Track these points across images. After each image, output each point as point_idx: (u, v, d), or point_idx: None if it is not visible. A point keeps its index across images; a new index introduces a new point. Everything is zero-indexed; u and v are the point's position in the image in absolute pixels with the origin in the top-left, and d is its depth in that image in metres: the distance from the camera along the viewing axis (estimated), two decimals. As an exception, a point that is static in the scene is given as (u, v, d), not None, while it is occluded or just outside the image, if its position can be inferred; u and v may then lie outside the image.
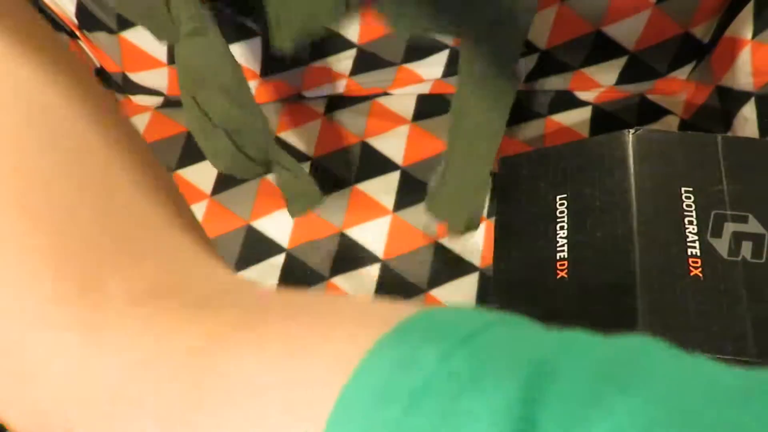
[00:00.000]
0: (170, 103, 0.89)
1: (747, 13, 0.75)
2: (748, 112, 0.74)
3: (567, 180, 0.66)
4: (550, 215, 0.64)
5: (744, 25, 0.75)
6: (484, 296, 0.76)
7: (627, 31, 0.81)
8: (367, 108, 0.90)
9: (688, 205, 0.55)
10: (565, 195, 0.64)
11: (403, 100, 0.91)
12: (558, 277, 0.60)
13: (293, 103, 0.90)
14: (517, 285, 0.66)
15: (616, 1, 0.76)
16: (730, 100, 0.77)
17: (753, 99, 0.73)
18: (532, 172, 0.71)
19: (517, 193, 0.71)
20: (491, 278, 0.69)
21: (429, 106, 0.89)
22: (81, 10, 0.73)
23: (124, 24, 0.74)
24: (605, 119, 0.88)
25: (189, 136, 0.86)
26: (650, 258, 0.53)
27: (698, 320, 0.50)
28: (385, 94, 0.91)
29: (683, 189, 0.56)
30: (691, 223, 0.55)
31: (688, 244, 0.54)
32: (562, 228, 0.62)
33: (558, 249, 0.61)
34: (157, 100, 0.88)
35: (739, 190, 0.56)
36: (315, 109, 0.90)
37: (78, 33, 0.76)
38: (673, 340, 0.45)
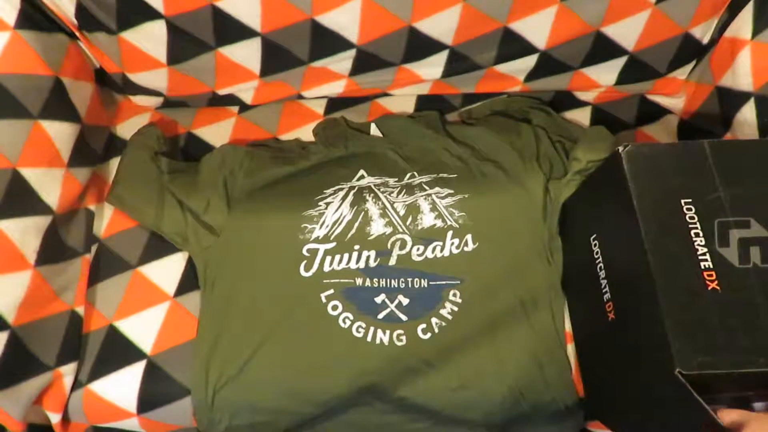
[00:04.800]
0: (170, 104, 0.89)
1: (747, 14, 0.75)
2: (748, 112, 0.74)
3: (591, 220, 0.68)
4: (591, 259, 0.65)
5: (743, 26, 0.75)
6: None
7: (627, 31, 0.81)
8: (366, 108, 0.90)
9: (690, 217, 0.55)
10: (594, 235, 0.65)
11: (402, 100, 0.91)
12: (610, 320, 0.61)
13: (293, 103, 0.91)
14: (586, 334, 0.69)
15: (616, 1, 0.76)
16: (729, 100, 0.77)
17: (752, 99, 0.73)
18: (570, 221, 0.73)
19: (568, 245, 0.73)
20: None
21: (429, 107, 0.89)
22: (81, 11, 0.73)
23: (124, 24, 0.74)
24: (605, 119, 0.88)
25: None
26: (667, 279, 0.52)
27: (726, 338, 0.50)
28: (385, 94, 0.91)
29: (683, 201, 0.56)
30: (697, 235, 0.54)
31: (699, 257, 0.53)
32: (600, 269, 0.63)
33: (603, 291, 0.62)
34: (157, 101, 0.88)
35: (736, 195, 0.56)
36: (315, 109, 0.90)
37: (78, 33, 0.76)
38: (705, 361, 0.45)
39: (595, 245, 0.65)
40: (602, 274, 0.63)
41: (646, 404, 0.57)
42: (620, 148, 0.58)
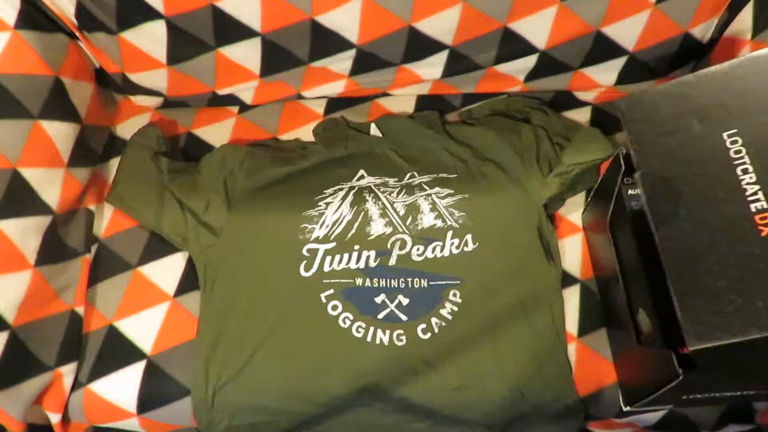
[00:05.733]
0: (170, 104, 0.89)
1: (747, 14, 0.75)
2: (748, 112, 0.74)
3: (729, 114, 0.54)
4: (722, 159, 0.52)
5: (743, 25, 0.75)
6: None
7: (627, 31, 0.81)
8: (366, 108, 0.90)
9: (736, 151, 0.50)
10: (735, 130, 0.52)
11: (402, 100, 0.91)
12: (763, 234, 0.48)
13: (293, 103, 0.91)
14: (704, 253, 0.51)
15: (616, 1, 0.76)
16: (729, 100, 0.77)
17: (753, 99, 0.73)
18: (674, 109, 0.57)
19: (660, 139, 0.57)
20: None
21: (429, 107, 0.89)
22: (81, 11, 0.73)
23: (124, 24, 0.74)
24: (605, 119, 0.88)
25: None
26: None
27: None
28: (385, 94, 0.91)
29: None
30: (745, 171, 0.49)
31: (748, 198, 0.48)
32: (745, 172, 0.51)
33: (749, 200, 0.50)
34: (157, 101, 0.88)
35: None
36: (315, 109, 0.90)
37: (78, 33, 0.76)
38: None
39: (733, 143, 0.52)
40: (748, 177, 0.51)
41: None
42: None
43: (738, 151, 0.52)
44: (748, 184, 0.50)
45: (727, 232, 0.50)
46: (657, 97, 0.58)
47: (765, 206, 0.49)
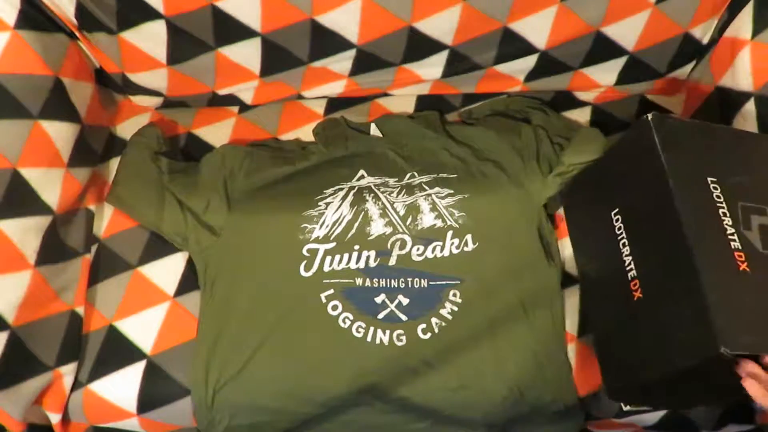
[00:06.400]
0: (170, 104, 0.89)
1: (747, 14, 0.75)
2: (748, 112, 0.74)
3: (612, 195, 0.65)
4: (612, 236, 0.63)
5: (743, 25, 0.75)
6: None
7: (627, 31, 0.81)
8: (366, 108, 0.90)
9: (717, 196, 0.54)
10: (616, 209, 0.63)
11: (402, 100, 0.91)
12: (635, 299, 0.58)
13: (293, 103, 0.91)
14: (607, 317, 0.66)
15: (616, 1, 0.76)
16: (729, 100, 0.77)
17: (752, 99, 0.73)
18: (588, 196, 0.71)
19: (583, 223, 0.72)
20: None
21: (429, 107, 0.89)
22: (81, 11, 0.73)
23: (124, 24, 0.74)
24: (605, 119, 0.88)
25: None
26: (705, 256, 0.51)
27: (765, 319, 0.49)
28: (385, 94, 0.91)
29: (709, 179, 0.55)
30: (725, 215, 0.53)
31: (729, 237, 0.52)
32: (624, 245, 0.61)
33: (627, 269, 0.60)
34: (157, 101, 0.88)
35: (755, 182, 0.55)
36: (315, 109, 0.90)
37: (78, 33, 0.76)
38: (750, 342, 0.46)
39: (616, 221, 0.62)
40: (626, 251, 0.60)
41: (675, 379, 0.56)
42: (648, 116, 0.57)
43: (620, 228, 0.62)
44: (626, 256, 0.61)
45: (618, 299, 0.61)
46: (579, 186, 0.73)
47: (635, 274, 0.59)
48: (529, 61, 0.84)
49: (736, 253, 0.52)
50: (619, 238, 0.62)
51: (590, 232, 0.70)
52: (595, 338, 0.69)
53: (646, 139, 0.57)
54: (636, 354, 0.60)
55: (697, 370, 0.52)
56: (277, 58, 0.81)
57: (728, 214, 0.54)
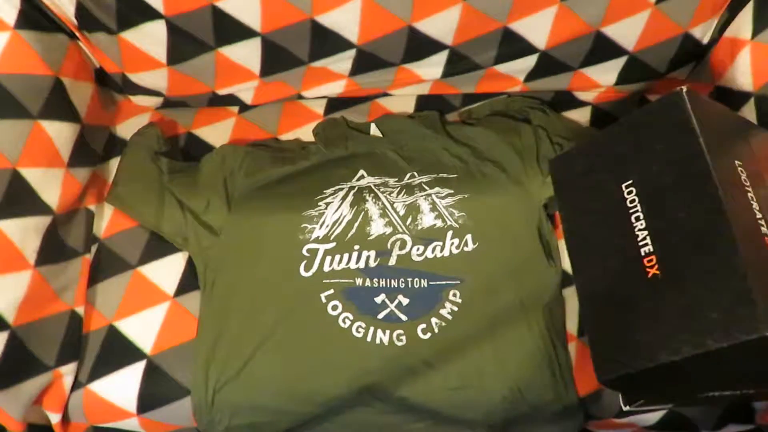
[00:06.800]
0: (170, 104, 0.89)
1: (747, 14, 0.75)
2: (748, 112, 0.74)
3: (628, 165, 0.60)
4: (620, 208, 0.58)
5: (743, 26, 0.75)
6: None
7: (627, 31, 0.81)
8: (366, 108, 0.90)
9: (744, 180, 0.54)
10: (630, 181, 0.59)
11: (402, 100, 0.91)
12: (649, 276, 0.54)
13: (293, 103, 0.91)
14: (606, 295, 0.60)
15: (616, 1, 0.76)
16: (729, 100, 0.77)
17: (752, 99, 0.73)
18: (588, 165, 0.65)
19: (577, 193, 0.65)
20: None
21: (429, 107, 0.89)
22: (81, 11, 0.73)
23: (124, 24, 0.74)
24: (605, 119, 0.88)
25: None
26: (743, 235, 0.48)
27: None
28: (385, 94, 0.91)
29: (736, 162, 0.54)
30: (753, 199, 0.53)
31: (758, 221, 0.51)
32: (638, 219, 0.57)
33: (640, 244, 0.56)
34: (157, 101, 0.88)
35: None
36: (315, 109, 0.90)
37: (78, 33, 0.76)
38: None
39: (629, 193, 0.58)
40: (639, 224, 0.56)
41: (691, 365, 0.52)
42: (683, 88, 0.55)
43: (633, 201, 0.58)
44: (639, 230, 0.57)
45: (623, 276, 0.57)
46: (576, 155, 0.66)
47: (651, 249, 0.55)
48: (529, 61, 0.84)
49: (765, 237, 0.51)
50: (632, 211, 0.58)
51: (587, 208, 0.65)
52: (587, 324, 0.65)
53: (679, 112, 0.55)
54: (648, 335, 0.55)
55: (722, 354, 0.49)
56: (277, 58, 0.81)
57: (755, 199, 0.53)
